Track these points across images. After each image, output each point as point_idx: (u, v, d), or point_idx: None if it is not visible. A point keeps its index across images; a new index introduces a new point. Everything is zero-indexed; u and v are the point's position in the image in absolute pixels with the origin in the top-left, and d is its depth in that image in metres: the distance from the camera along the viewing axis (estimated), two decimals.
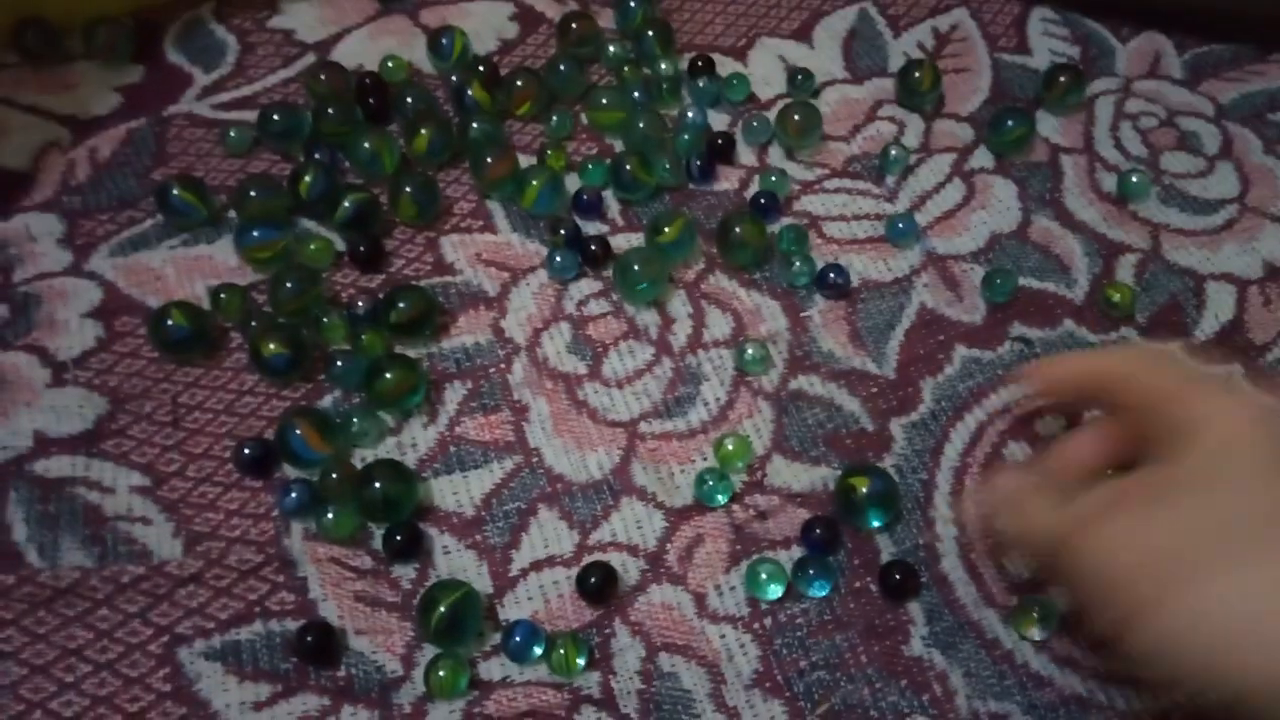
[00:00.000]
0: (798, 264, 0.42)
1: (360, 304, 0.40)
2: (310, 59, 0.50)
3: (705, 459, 0.38)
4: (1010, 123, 0.46)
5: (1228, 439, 0.28)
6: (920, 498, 0.37)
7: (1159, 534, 0.27)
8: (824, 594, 0.35)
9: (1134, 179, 0.45)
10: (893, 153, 0.45)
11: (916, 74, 0.47)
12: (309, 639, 0.33)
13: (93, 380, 0.39)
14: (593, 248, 0.42)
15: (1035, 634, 0.33)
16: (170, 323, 0.39)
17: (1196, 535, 0.26)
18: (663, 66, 0.49)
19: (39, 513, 0.36)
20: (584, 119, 0.48)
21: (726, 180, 0.46)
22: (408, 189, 0.43)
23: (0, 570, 0.35)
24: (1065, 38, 0.52)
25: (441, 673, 0.32)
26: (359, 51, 0.50)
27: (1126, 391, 0.31)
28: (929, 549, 0.36)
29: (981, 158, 0.47)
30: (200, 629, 0.34)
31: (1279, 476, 0.27)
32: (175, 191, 0.42)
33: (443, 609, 0.32)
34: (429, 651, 0.33)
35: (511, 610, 0.34)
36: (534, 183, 0.43)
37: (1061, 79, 0.48)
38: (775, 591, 0.34)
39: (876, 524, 0.36)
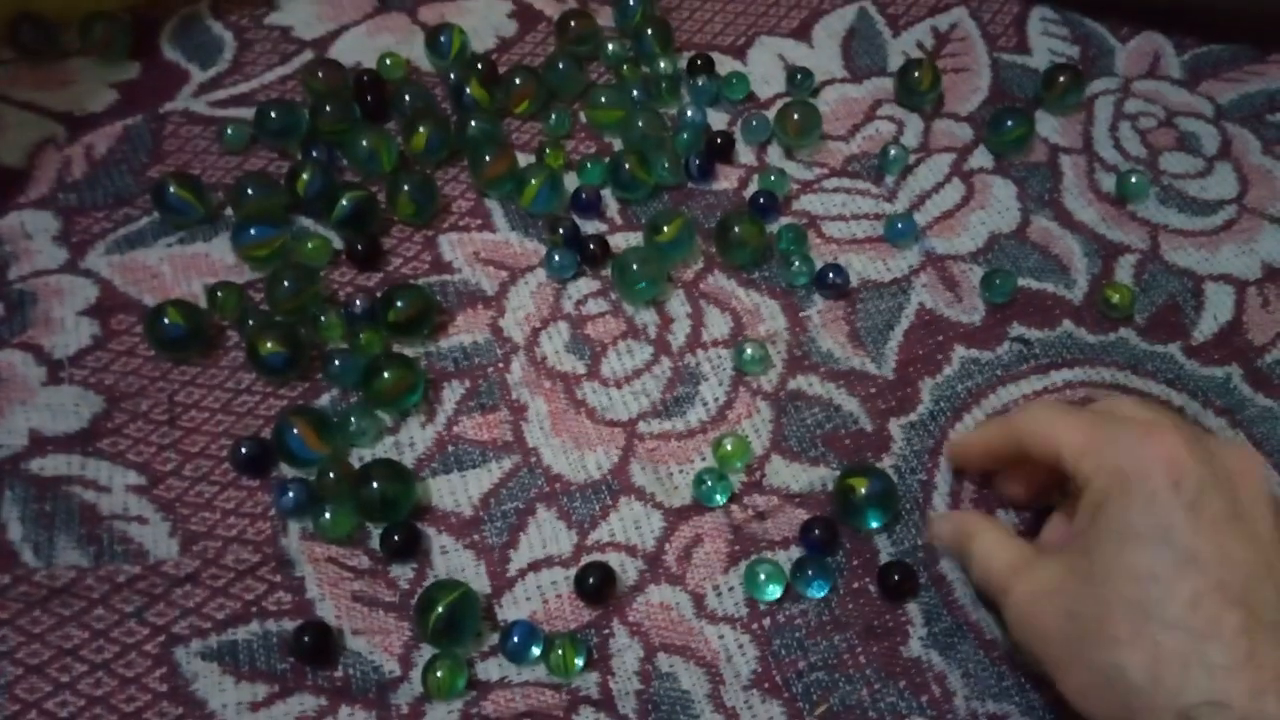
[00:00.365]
0: (797, 264, 0.42)
1: (358, 302, 0.40)
2: (308, 56, 0.50)
3: (704, 459, 0.38)
4: (1010, 122, 0.46)
5: (1129, 496, 0.28)
6: (919, 498, 0.37)
7: (1069, 599, 0.28)
8: (822, 595, 0.35)
9: (1133, 179, 0.45)
10: (892, 152, 0.45)
11: (916, 73, 0.47)
12: (306, 639, 0.33)
13: (88, 378, 0.39)
14: (591, 247, 0.42)
15: None
16: (167, 321, 0.39)
17: (1100, 603, 0.27)
18: (662, 65, 0.49)
19: (34, 512, 0.36)
20: (583, 117, 0.47)
21: (725, 179, 0.46)
22: (406, 187, 0.43)
23: None
24: (1065, 37, 0.51)
25: (439, 673, 0.32)
26: (357, 49, 0.50)
27: (1034, 450, 0.32)
28: (927, 549, 0.36)
29: (981, 158, 0.47)
30: (197, 629, 0.34)
31: (1183, 524, 0.27)
32: (172, 189, 0.42)
33: (440, 609, 0.32)
34: (427, 652, 0.33)
35: (510, 610, 0.34)
36: (532, 181, 0.43)
37: (1061, 79, 0.48)
38: (774, 592, 0.34)
39: (875, 524, 0.36)
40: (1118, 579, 0.27)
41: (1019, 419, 0.33)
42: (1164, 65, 0.50)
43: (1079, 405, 0.32)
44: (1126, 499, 0.28)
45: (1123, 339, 0.41)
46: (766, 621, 0.34)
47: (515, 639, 0.33)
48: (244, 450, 0.37)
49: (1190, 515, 0.27)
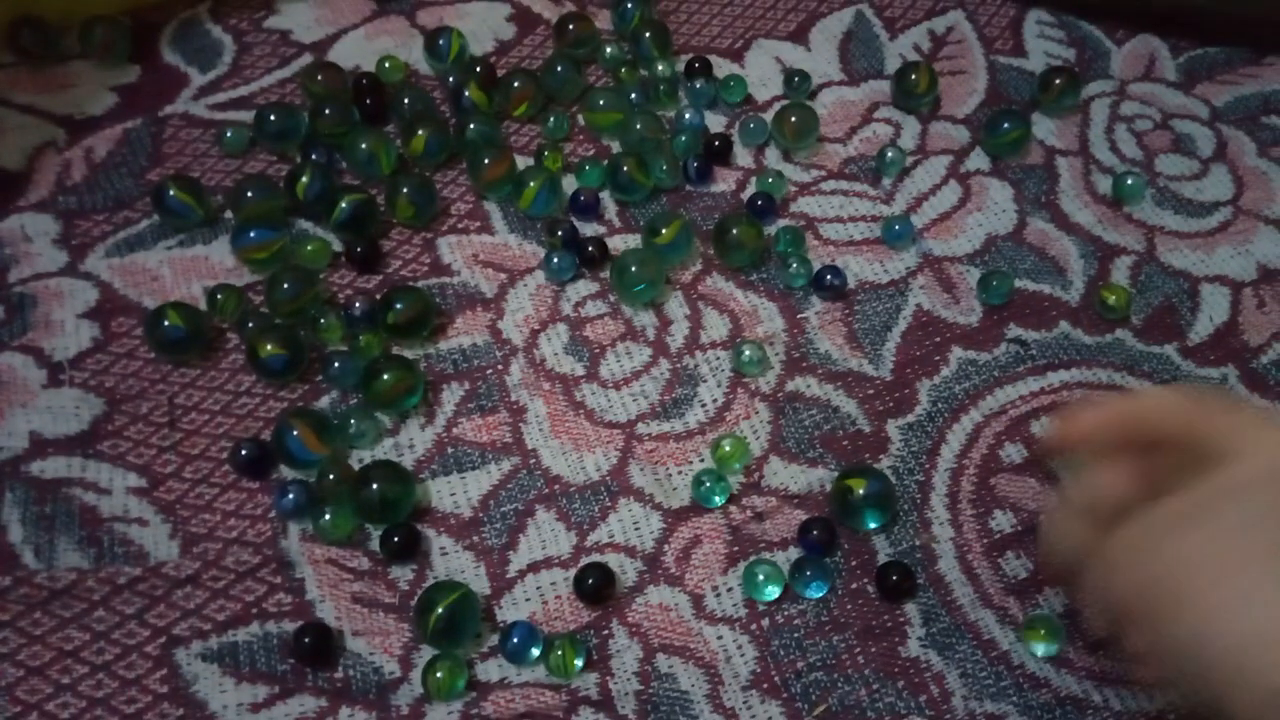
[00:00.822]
0: (795, 265, 0.42)
1: (357, 305, 0.40)
2: (307, 59, 0.50)
3: (702, 460, 0.38)
4: (1006, 125, 0.46)
5: (1265, 466, 0.27)
6: (917, 499, 0.37)
7: (1185, 546, 0.27)
8: (821, 595, 0.35)
9: (1129, 181, 0.45)
10: (889, 155, 0.46)
11: (913, 76, 0.47)
12: (306, 640, 0.33)
13: (89, 381, 0.39)
14: (590, 249, 0.42)
15: (1040, 650, 0.33)
16: (167, 323, 0.39)
17: (1220, 552, 0.26)
18: (660, 68, 0.49)
19: (35, 514, 0.36)
20: (581, 120, 0.48)
21: (723, 182, 0.46)
22: (405, 190, 0.43)
23: None
24: (1061, 40, 0.52)
25: (439, 674, 0.32)
26: (356, 52, 0.50)
27: (1168, 427, 0.30)
28: (925, 550, 0.36)
29: (977, 160, 0.47)
30: (197, 630, 0.34)
31: None
32: (171, 192, 0.42)
33: (440, 610, 0.32)
34: (427, 652, 0.33)
35: (509, 611, 0.34)
36: (531, 184, 0.43)
37: (1057, 81, 0.48)
38: (773, 593, 0.34)
39: (873, 525, 0.36)
40: (1249, 529, 0.26)
41: (1148, 398, 0.32)
42: (1159, 68, 0.51)
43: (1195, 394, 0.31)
44: (1253, 465, 0.27)
45: (1119, 340, 0.41)
46: (765, 622, 0.34)
47: (515, 640, 0.33)
48: (244, 452, 0.37)
49: None
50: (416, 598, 0.34)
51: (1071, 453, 0.33)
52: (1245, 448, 0.28)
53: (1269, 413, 0.29)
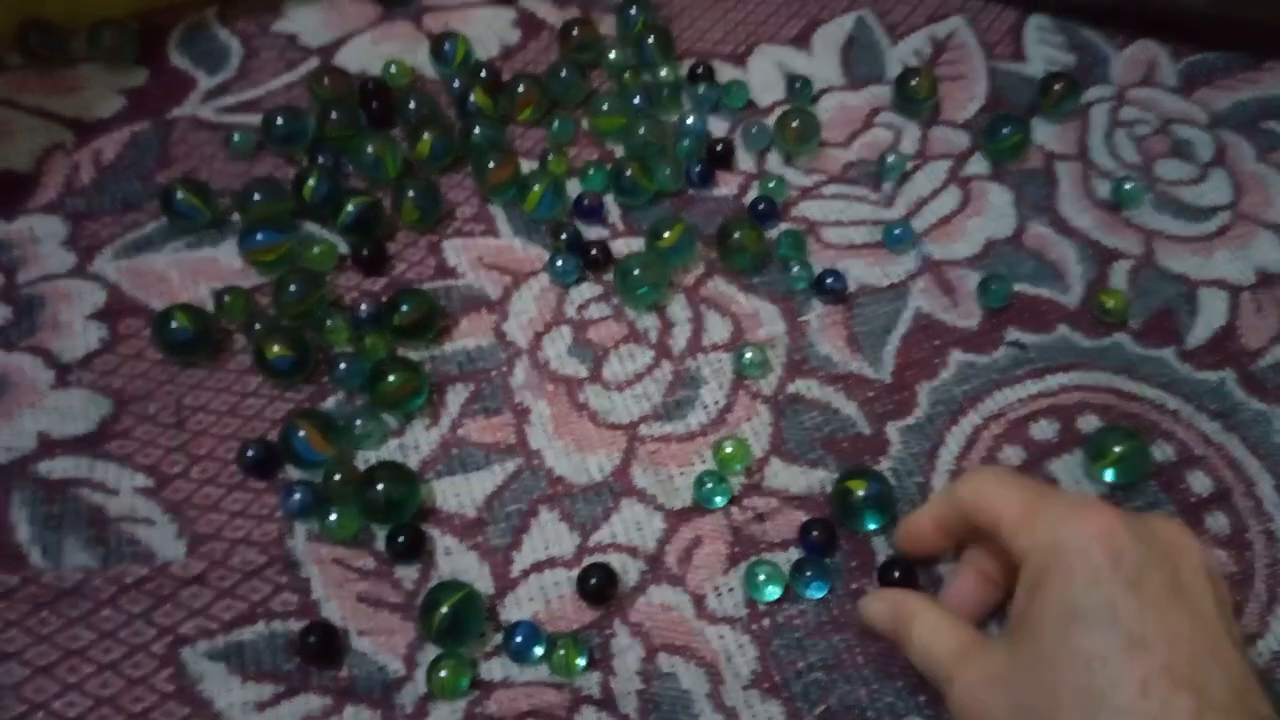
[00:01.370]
0: (796, 269, 0.42)
1: (363, 307, 0.41)
2: (314, 63, 0.50)
3: (704, 461, 0.38)
4: (1006, 130, 0.46)
5: (1054, 608, 0.27)
6: (916, 500, 0.37)
7: (1017, 687, 0.27)
8: (821, 595, 0.35)
9: (1128, 186, 0.45)
10: (890, 159, 0.46)
11: (914, 81, 0.48)
12: (312, 639, 0.33)
13: (97, 382, 0.40)
14: (593, 252, 0.43)
15: (1110, 476, 0.32)
16: (174, 325, 0.39)
17: (1048, 691, 0.26)
18: (663, 73, 0.49)
19: (43, 514, 0.36)
20: (585, 124, 0.48)
21: (726, 186, 0.46)
22: (410, 193, 0.43)
23: (3, 571, 0.35)
24: (1061, 45, 0.52)
25: (443, 673, 0.33)
26: (362, 56, 0.51)
27: (977, 520, 0.31)
28: None
29: (977, 164, 0.47)
30: (203, 629, 0.34)
31: (1127, 602, 0.26)
32: (179, 194, 0.43)
33: (444, 610, 0.33)
34: (431, 652, 0.34)
35: (512, 611, 0.35)
36: (535, 187, 0.44)
37: (1056, 86, 0.48)
38: (773, 593, 0.35)
39: (873, 526, 0.36)
40: (1064, 665, 0.26)
41: (961, 488, 0.32)
42: (1159, 73, 0.51)
43: (1020, 474, 0.30)
44: (1067, 576, 0.27)
45: (1117, 343, 0.41)
46: (766, 622, 0.35)
47: (518, 639, 0.33)
48: (251, 453, 0.37)
49: (1133, 593, 0.26)
50: (421, 597, 0.34)
51: (919, 552, 0.35)
52: (1048, 574, 0.27)
53: (1071, 497, 0.29)
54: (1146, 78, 0.51)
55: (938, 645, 0.30)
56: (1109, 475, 0.37)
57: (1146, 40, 0.52)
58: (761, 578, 0.35)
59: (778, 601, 0.35)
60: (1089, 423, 0.39)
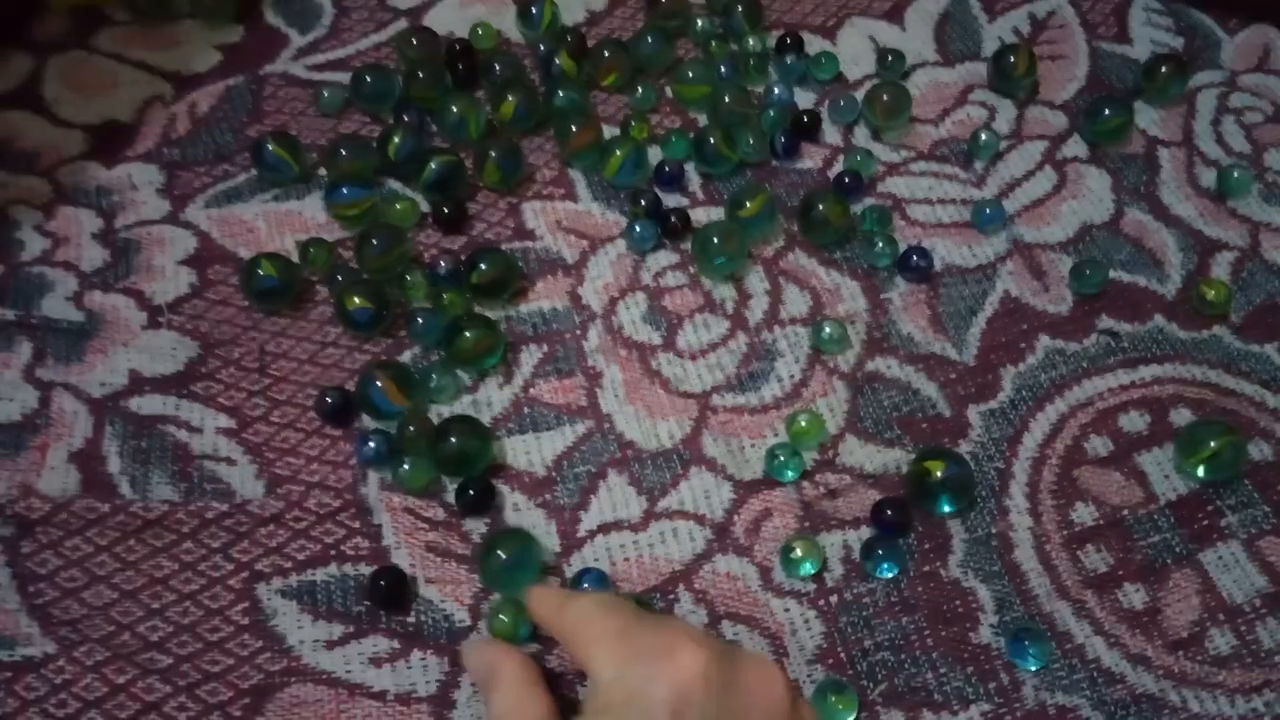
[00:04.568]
0: (880, 245, 0.41)
1: (442, 264, 0.41)
2: (402, 24, 0.51)
3: (776, 434, 0.38)
4: (1108, 111, 0.45)
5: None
6: (995, 486, 0.36)
7: None
8: (892, 575, 0.34)
9: (1235, 175, 0.43)
10: (983, 137, 0.45)
11: (1012, 59, 0.46)
12: (381, 583, 0.34)
13: (185, 325, 0.41)
14: (672, 220, 0.42)
15: (1201, 472, 0.32)
16: (260, 273, 0.40)
17: None
18: (750, 42, 0.48)
19: (132, 447, 0.38)
20: (669, 92, 0.48)
21: (810, 158, 0.45)
22: (492, 154, 0.43)
23: (96, 498, 0.36)
24: (1168, 28, 0.50)
25: (503, 616, 0.33)
26: (450, 18, 0.51)
27: (571, 649, 0.30)
28: (1003, 538, 0.35)
29: (1075, 147, 0.45)
30: (278, 567, 0.35)
31: None
32: (270, 147, 0.44)
33: (500, 552, 0.33)
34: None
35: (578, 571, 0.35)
36: (617, 153, 0.43)
37: (1163, 69, 0.46)
38: (809, 569, 0.34)
39: (948, 510, 0.35)
40: None
41: (569, 609, 0.30)
42: (1275, 59, 0.48)
43: (628, 609, 0.29)
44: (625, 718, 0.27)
45: (1216, 337, 0.40)
46: (834, 598, 0.34)
47: (586, 586, 0.33)
48: (329, 400, 0.38)
49: None
50: (481, 540, 0.34)
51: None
52: (611, 714, 0.27)
53: (664, 635, 0.28)
54: (1260, 63, 0.48)
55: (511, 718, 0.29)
56: (1201, 472, 0.35)
57: (1262, 25, 0.50)
58: (798, 553, 0.34)
59: (846, 578, 0.34)
60: (1182, 416, 0.37)
